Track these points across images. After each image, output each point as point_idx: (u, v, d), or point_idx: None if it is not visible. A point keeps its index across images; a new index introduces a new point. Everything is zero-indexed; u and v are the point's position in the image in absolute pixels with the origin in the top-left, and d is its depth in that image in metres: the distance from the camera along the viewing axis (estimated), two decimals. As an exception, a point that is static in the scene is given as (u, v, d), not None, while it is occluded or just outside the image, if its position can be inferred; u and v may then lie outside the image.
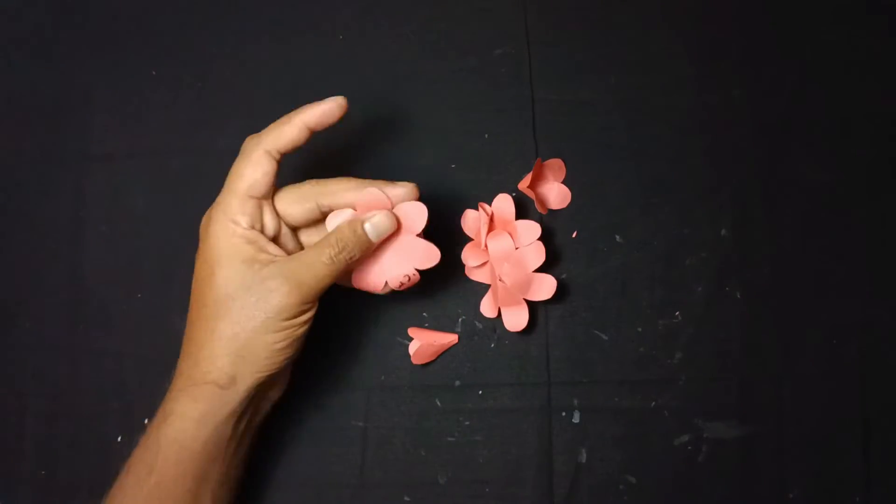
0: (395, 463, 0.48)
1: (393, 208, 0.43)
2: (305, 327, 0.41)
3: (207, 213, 0.42)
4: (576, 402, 0.48)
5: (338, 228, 0.42)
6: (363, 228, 0.42)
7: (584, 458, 0.47)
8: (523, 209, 0.49)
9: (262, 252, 0.41)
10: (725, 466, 0.47)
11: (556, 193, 0.50)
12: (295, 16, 0.53)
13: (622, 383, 0.48)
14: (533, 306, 0.48)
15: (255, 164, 0.41)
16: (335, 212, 0.43)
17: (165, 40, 0.54)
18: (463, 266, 0.48)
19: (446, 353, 0.49)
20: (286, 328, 0.40)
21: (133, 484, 0.40)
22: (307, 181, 0.43)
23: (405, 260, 0.43)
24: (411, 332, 0.49)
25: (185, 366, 0.41)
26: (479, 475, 0.48)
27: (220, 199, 0.42)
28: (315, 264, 0.41)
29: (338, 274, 0.41)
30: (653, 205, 0.49)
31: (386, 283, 0.44)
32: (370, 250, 0.43)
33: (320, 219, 0.44)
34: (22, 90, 0.54)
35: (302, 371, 0.47)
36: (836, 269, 0.48)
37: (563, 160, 0.49)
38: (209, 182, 0.52)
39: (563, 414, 0.48)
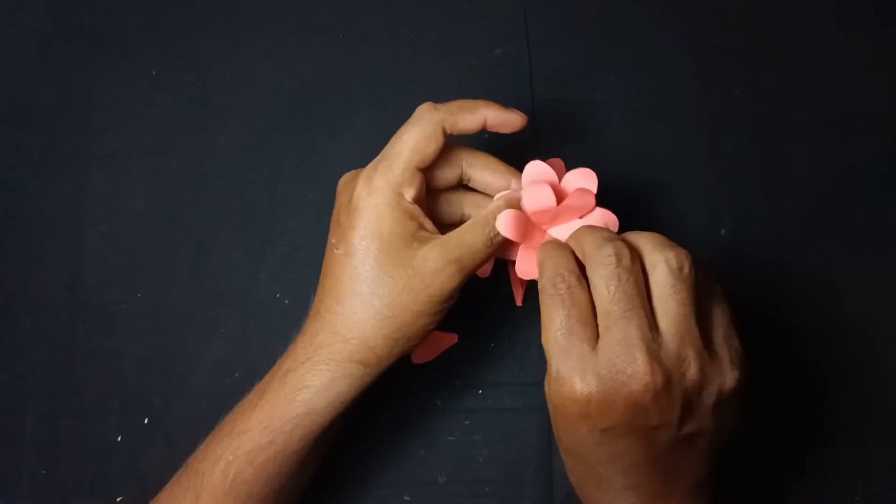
0: (395, 463, 0.48)
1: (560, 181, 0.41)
2: (451, 303, 0.40)
3: (362, 181, 0.39)
4: (576, 401, 0.48)
5: (496, 207, 0.40)
6: (521, 206, 0.40)
7: (584, 457, 0.47)
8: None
9: (421, 229, 0.39)
10: (725, 466, 0.47)
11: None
12: (295, 16, 0.53)
13: (622, 383, 0.48)
14: (533, 306, 0.48)
15: (430, 138, 0.39)
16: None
17: (165, 40, 0.54)
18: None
19: (446, 353, 0.49)
20: (443, 310, 0.40)
21: (252, 450, 0.39)
22: (453, 144, 0.42)
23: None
24: (411, 331, 0.49)
25: (327, 339, 0.39)
26: (479, 475, 0.48)
27: (381, 168, 0.39)
28: (475, 244, 0.39)
29: (494, 254, 0.40)
30: (653, 205, 0.49)
31: None
32: None
33: (455, 186, 0.43)
34: (22, 90, 0.54)
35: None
36: (836, 269, 0.48)
37: (563, 160, 0.49)
38: (209, 182, 0.52)
39: (563, 414, 0.48)
